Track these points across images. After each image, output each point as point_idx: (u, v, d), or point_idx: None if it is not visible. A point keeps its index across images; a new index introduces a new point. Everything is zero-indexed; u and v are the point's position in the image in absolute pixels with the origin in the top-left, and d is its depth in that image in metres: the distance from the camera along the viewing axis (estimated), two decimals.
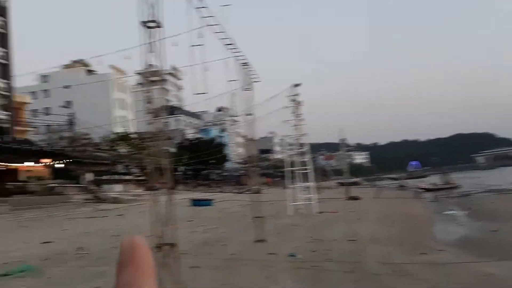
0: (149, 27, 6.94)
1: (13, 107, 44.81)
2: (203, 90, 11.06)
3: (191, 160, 61.43)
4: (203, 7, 9.84)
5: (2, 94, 43.41)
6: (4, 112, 42.63)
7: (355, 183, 63.80)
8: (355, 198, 32.11)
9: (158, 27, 6.84)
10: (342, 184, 54.91)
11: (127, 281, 0.59)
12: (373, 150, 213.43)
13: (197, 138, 77.00)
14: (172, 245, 6.54)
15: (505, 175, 63.56)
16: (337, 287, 7.21)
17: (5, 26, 44.66)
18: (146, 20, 6.77)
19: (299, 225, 16.52)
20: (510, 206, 23.17)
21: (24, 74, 69.76)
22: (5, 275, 8.27)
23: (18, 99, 47.51)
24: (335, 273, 8.05)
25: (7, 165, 33.64)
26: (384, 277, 7.81)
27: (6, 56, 44.33)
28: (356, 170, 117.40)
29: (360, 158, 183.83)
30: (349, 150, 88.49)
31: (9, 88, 44.40)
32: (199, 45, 9.69)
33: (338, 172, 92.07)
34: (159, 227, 6.59)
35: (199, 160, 63.75)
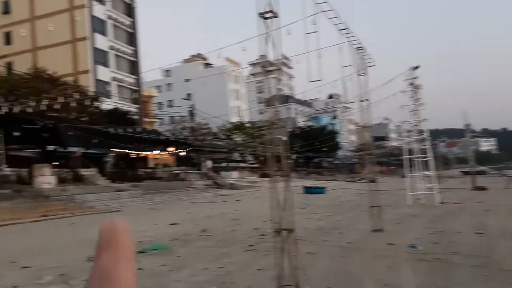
0: (266, 18, 7.07)
1: (142, 101, 49.13)
2: (317, 78, 10.99)
3: (302, 148, 61.78)
4: None
5: (131, 89, 47.87)
6: (134, 105, 46.98)
7: (481, 172, 58.61)
8: (482, 188, 29.56)
9: (275, 17, 6.94)
10: (466, 173, 50.91)
11: (105, 265, 0.57)
12: (502, 136, 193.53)
13: (308, 126, 77.07)
14: (290, 230, 6.68)
15: None
16: (466, 282, 6.74)
17: (133, 26, 48.90)
18: (263, 11, 6.91)
19: (419, 216, 15.71)
20: None
21: (150, 70, 75.85)
22: (140, 252, 9.18)
23: (146, 93, 51.94)
24: (462, 267, 7.53)
25: (138, 153, 37.14)
26: None
27: (135, 54, 48.63)
28: (483, 158, 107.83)
29: (487, 144, 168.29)
30: (474, 136, 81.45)
31: (138, 83, 48.75)
32: (313, 32, 9.63)
33: (461, 160, 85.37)
34: (277, 212, 6.76)
35: (311, 148, 63.84)
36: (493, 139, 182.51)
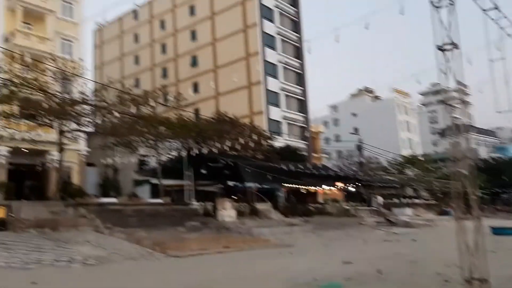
0: (444, 50, 6.78)
1: (310, 137, 50.62)
2: (504, 106, 9.91)
3: (487, 182, 55.33)
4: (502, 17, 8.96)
5: (300, 126, 49.78)
6: (303, 142, 48.65)
7: None
8: None
9: (455, 48, 6.61)
10: None
11: None
12: None
13: (493, 158, 68.94)
14: (483, 280, 6.03)
15: None
16: None
17: (301, 67, 51.33)
18: (441, 43, 6.65)
19: None
20: None
21: (316, 107, 78.10)
22: None
23: (313, 129, 53.40)
24: None
25: (308, 188, 38.08)
26: None
27: (303, 93, 50.79)
28: None
29: None
30: None
31: (306, 120, 50.52)
32: (500, 59, 8.82)
33: None
34: (465, 257, 6.19)
35: (498, 182, 56.69)
36: None
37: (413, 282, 10.90)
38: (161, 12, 55.88)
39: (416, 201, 49.86)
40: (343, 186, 39.51)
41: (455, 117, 8.19)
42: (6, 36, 29.97)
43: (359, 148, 47.43)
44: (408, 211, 42.49)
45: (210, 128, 30.09)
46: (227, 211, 26.88)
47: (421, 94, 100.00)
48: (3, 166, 26.48)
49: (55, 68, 23.14)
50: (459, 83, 7.32)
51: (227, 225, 25.10)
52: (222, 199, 27.94)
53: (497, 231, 27.55)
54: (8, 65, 21.33)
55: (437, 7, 6.57)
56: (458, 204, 6.74)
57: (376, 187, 42.45)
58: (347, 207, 38.15)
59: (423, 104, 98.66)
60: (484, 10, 8.13)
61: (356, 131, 66.73)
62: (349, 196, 42.06)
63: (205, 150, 27.81)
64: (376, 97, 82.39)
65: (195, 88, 50.57)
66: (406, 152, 65.45)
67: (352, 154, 54.58)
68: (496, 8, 8.57)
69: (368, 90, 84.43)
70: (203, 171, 29.66)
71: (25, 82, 21.37)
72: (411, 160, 55.15)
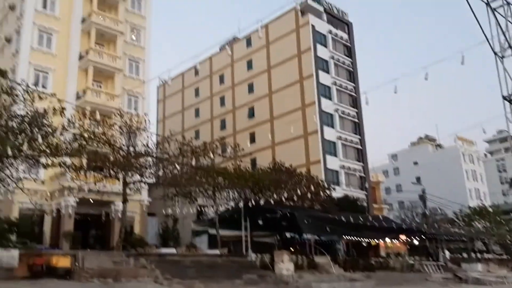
0: (510, 101, 6.53)
1: (369, 187, 49.30)
2: None
3: None
4: None
5: (359, 176, 48.73)
6: (362, 192, 47.42)
7: None
8: None
9: None
10: None
11: None
12: None
13: None
14: None
15: None
16: None
17: (358, 116, 51.03)
18: (508, 93, 6.42)
19: None
20: None
21: (375, 156, 76.50)
22: None
23: (373, 179, 52.04)
24: None
25: (369, 241, 36.63)
26: None
27: (360, 142, 50.13)
28: None
29: None
30: None
31: (364, 170, 49.44)
32: None
33: None
34: None
35: None
36: None
37: None
38: (220, 68, 58.37)
39: (487, 256, 46.39)
40: (407, 239, 37.64)
41: None
42: (79, 93, 32.43)
43: (423, 198, 45.44)
44: (479, 266, 39.55)
45: (266, 178, 30.17)
46: (285, 264, 26.26)
47: (487, 142, 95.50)
48: (70, 216, 27.80)
49: (121, 123, 24.55)
50: None
51: (285, 278, 24.47)
52: (280, 251, 27.42)
53: None
54: (79, 120, 22.87)
55: (502, 57, 6.41)
56: None
57: (442, 240, 40.09)
58: (412, 262, 36.15)
59: (490, 152, 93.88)
60: None
61: (418, 180, 64.34)
62: (413, 250, 39.91)
63: (262, 201, 27.79)
64: (438, 146, 79.54)
65: (252, 138, 51.40)
66: (474, 203, 61.81)
67: (415, 205, 52.29)
68: None
69: (430, 139, 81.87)
70: (260, 222, 29.45)
71: (94, 137, 22.76)
72: (480, 212, 51.90)
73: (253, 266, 26.17)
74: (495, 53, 6.37)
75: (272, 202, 28.19)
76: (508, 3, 6.31)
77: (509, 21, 6.42)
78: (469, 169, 75.30)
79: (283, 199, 28.19)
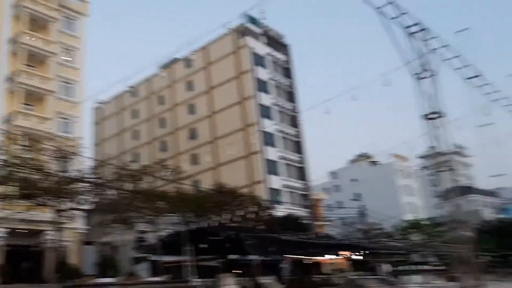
0: (430, 119, 6.82)
1: (312, 205, 50.03)
2: (498, 168, 9.89)
3: (495, 245, 53.87)
4: (485, 84, 9.12)
5: (301, 194, 49.38)
6: (305, 210, 47.99)
7: None
8: None
9: (440, 117, 6.65)
10: None
11: None
12: None
13: (498, 219, 67.69)
14: None
15: None
16: None
17: (299, 135, 52.00)
18: (427, 112, 6.70)
19: None
20: None
21: (316, 174, 78.19)
22: None
23: (315, 197, 52.90)
24: None
25: (312, 258, 36.91)
26: None
27: (302, 161, 50.97)
28: None
29: None
30: None
31: (307, 188, 50.22)
32: (487, 124, 8.90)
33: None
34: None
35: (506, 244, 55.27)
36: None
37: None
38: (159, 88, 57.49)
39: (425, 267, 48.25)
40: (348, 254, 38.33)
41: (454, 180, 8.11)
42: (7, 117, 30.51)
43: (362, 214, 46.70)
44: (417, 278, 41.01)
45: (209, 201, 29.72)
46: (229, 287, 25.84)
47: (421, 157, 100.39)
48: (0, 249, 25.83)
49: (53, 147, 23.29)
50: (457, 146, 7.29)
51: None
52: (224, 274, 26.95)
53: None
54: (8, 146, 21.45)
55: (420, 78, 6.70)
56: (454, 268, 6.43)
57: (381, 254, 41.20)
58: (353, 277, 36.80)
59: (424, 168, 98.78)
60: (467, 78, 8.31)
61: (357, 197, 66.22)
62: (356, 265, 40.67)
63: (204, 224, 27.30)
64: (374, 162, 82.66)
65: (194, 160, 50.75)
66: (410, 216, 64.44)
67: (355, 221, 53.63)
68: (478, 76, 8.77)
69: (366, 156, 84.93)
70: (203, 246, 28.85)
71: (24, 163, 21.38)
72: (415, 225, 54.14)
73: None
74: (414, 74, 6.66)
75: (216, 224, 27.76)
76: (423, 29, 6.68)
77: (425, 46, 6.76)
78: (404, 185, 78.67)
79: (227, 221, 27.85)
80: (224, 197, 31.36)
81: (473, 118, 9.07)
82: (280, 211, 40.38)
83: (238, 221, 29.01)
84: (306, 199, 49.51)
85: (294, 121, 52.15)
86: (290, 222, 37.58)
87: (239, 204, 30.65)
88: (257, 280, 28.99)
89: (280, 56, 54.10)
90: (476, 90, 9.00)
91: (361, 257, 39.31)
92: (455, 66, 8.15)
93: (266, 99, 49.55)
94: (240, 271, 30.36)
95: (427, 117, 6.77)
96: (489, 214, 74.84)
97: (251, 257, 31.29)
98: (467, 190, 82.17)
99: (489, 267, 51.76)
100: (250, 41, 50.69)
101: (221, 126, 49.59)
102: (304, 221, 43.03)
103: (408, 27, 7.04)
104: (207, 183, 40.45)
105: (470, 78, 8.47)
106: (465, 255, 5.99)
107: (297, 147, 51.31)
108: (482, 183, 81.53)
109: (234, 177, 42.01)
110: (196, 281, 26.87)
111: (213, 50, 52.60)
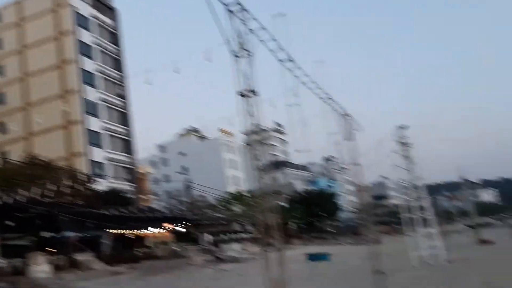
0: (245, 96, 7.22)
1: (137, 178, 49.05)
2: (304, 145, 11.14)
3: (303, 213, 60.92)
4: (297, 68, 10.04)
5: (127, 168, 47.93)
6: (130, 184, 46.81)
7: (486, 224, 57.71)
8: (487, 242, 28.91)
9: (255, 95, 7.10)
10: (470, 226, 50.10)
11: None
12: (503, 185, 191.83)
13: (307, 191, 76.50)
14: None
15: None
16: None
17: (125, 106, 50.01)
18: (242, 90, 7.07)
19: (426, 278, 15.14)
20: None
21: (144, 147, 76.86)
22: None
23: (140, 170, 51.96)
24: None
25: (135, 232, 36.38)
26: None
27: (128, 133, 49.26)
28: (485, 209, 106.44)
29: (488, 195, 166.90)
30: (473, 188, 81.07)
31: (132, 162, 48.92)
32: (296, 104, 9.88)
33: (464, 214, 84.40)
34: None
35: (312, 213, 62.99)
36: (493, 189, 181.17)
37: None
38: None
39: (244, 235, 51.91)
40: (171, 227, 38.89)
41: (271, 154, 8.65)
42: None
43: (188, 187, 47.71)
44: (236, 246, 43.88)
45: (18, 174, 26.70)
46: (40, 267, 23.87)
47: (245, 134, 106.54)
48: None
49: None
50: (276, 124, 7.82)
51: (41, 282, 22.27)
52: (34, 253, 24.73)
53: (312, 257, 30.34)
54: None
55: (237, 56, 7.00)
56: (264, 236, 7.05)
57: (204, 225, 42.88)
58: (176, 248, 37.56)
59: (247, 143, 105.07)
60: (280, 60, 9.02)
61: (184, 170, 67.25)
62: (179, 237, 41.52)
63: (10, 199, 24.45)
64: (203, 137, 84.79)
65: (3, 128, 44.87)
66: (233, 189, 68.24)
67: (181, 194, 54.54)
68: (292, 60, 9.58)
69: (195, 130, 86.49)
70: (10, 223, 25.89)
71: None
72: (237, 197, 57.64)
73: (2, 274, 22.95)
74: (232, 51, 6.93)
75: (25, 200, 25.08)
76: (244, 9, 6.96)
77: (244, 25, 7.07)
78: (229, 159, 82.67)
79: (38, 196, 25.43)
80: (37, 170, 28.55)
81: (285, 98, 9.96)
82: (102, 185, 38.60)
83: (52, 196, 26.74)
84: (132, 172, 48.26)
85: (120, 91, 49.82)
86: (112, 196, 36.26)
87: (55, 178, 28.25)
88: (73, 258, 27.40)
89: (107, 20, 50.66)
90: (288, 73, 9.81)
91: (184, 229, 40.31)
92: (271, 49, 8.71)
93: (90, 65, 46.07)
94: (55, 250, 28.27)
95: (243, 95, 7.11)
96: (300, 186, 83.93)
97: (67, 234, 29.36)
98: (283, 164, 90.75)
99: (298, 233, 58.45)
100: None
101: (36, 92, 44.59)
102: (128, 195, 42.04)
103: (227, 4, 7.22)
104: (17, 154, 36.25)
105: (282, 61, 9.15)
106: (273, 222, 6.63)
107: (124, 118, 49.27)
108: (296, 159, 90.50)
109: (50, 149, 38.47)
110: (2, 261, 24.15)
111: (29, 5, 46.63)
